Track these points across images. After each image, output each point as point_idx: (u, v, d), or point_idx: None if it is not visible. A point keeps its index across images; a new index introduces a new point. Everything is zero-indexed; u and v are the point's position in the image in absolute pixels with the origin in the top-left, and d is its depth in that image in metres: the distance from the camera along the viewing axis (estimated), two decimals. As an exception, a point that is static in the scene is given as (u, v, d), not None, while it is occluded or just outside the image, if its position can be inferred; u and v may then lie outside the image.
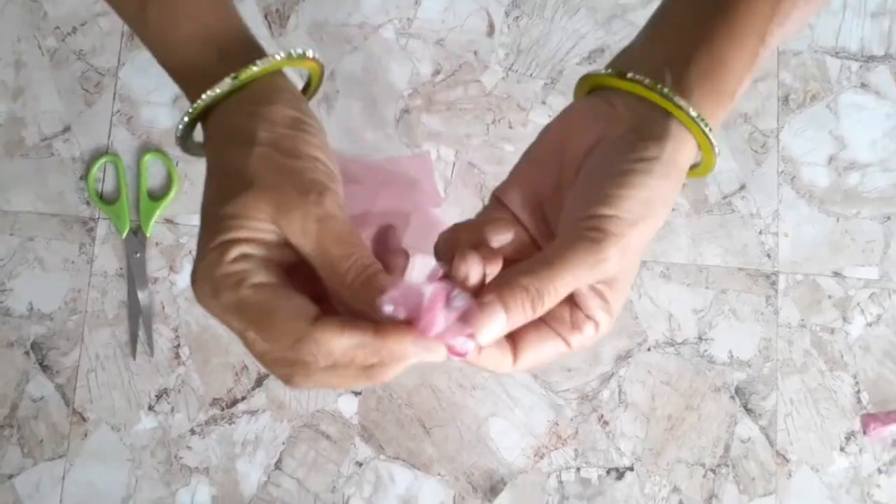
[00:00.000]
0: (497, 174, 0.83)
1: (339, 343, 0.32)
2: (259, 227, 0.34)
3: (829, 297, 0.84)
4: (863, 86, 0.87)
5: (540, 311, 0.34)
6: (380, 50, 0.85)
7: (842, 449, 0.82)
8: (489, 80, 0.85)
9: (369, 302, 0.33)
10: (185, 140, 0.40)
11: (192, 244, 0.81)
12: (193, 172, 0.83)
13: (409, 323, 0.33)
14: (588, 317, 0.36)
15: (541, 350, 0.36)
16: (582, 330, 0.36)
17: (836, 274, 0.85)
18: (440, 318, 0.32)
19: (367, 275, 0.34)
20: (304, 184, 0.34)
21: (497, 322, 0.33)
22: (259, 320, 0.33)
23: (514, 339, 0.36)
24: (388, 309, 0.32)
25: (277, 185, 0.34)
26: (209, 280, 0.33)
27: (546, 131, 0.40)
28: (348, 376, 0.33)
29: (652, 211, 0.35)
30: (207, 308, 0.34)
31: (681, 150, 0.36)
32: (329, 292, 0.35)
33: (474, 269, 0.34)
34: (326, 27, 0.86)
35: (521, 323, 0.34)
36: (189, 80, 0.38)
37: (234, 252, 0.33)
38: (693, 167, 0.40)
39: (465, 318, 0.33)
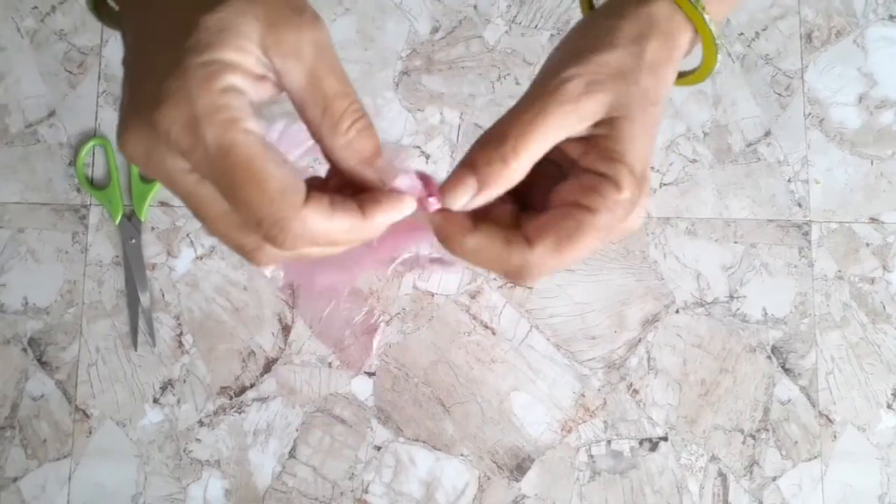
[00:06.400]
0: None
1: (328, 226, 0.28)
2: (247, 48, 0.28)
3: (867, 244, 0.79)
4: (891, 18, 0.82)
5: (517, 163, 0.31)
6: (373, 9, 0.81)
7: (889, 406, 0.77)
8: (491, 35, 0.81)
9: (363, 155, 0.29)
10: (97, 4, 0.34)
11: (189, 227, 0.78)
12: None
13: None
14: (599, 174, 0.32)
15: (559, 226, 0.31)
16: (598, 190, 0.31)
17: (874, 220, 0.79)
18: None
19: (364, 124, 0.29)
20: (297, 2, 0.29)
21: (465, 183, 0.31)
22: (244, 183, 0.27)
23: (522, 227, 0.32)
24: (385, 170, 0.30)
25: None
26: (188, 106, 0.26)
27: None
28: (315, 252, 0.30)
29: (628, 63, 0.32)
30: (162, 144, 0.27)
31: (660, 17, 0.33)
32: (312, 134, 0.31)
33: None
34: (317, -8, 0.81)
35: (499, 181, 0.31)
36: None
37: (225, 80, 0.27)
38: (686, 73, 0.37)
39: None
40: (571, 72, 0.31)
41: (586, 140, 0.32)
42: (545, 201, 0.34)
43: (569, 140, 0.32)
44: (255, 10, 0.28)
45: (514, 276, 0.32)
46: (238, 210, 0.28)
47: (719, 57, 0.35)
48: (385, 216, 0.30)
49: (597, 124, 0.32)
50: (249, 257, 0.30)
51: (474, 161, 0.31)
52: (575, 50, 0.33)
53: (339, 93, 0.29)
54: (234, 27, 0.27)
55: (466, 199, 0.31)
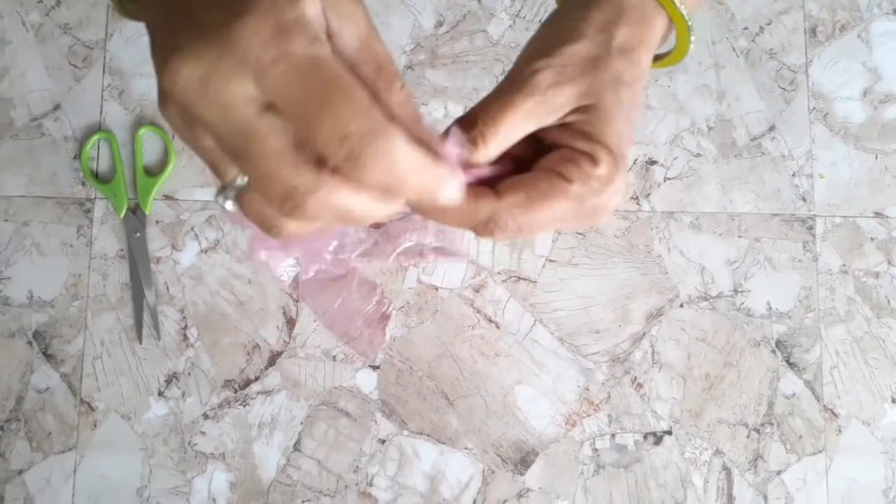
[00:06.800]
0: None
1: (412, 154, 0.26)
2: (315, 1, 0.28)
3: (872, 239, 0.79)
4: (896, 12, 0.82)
5: (485, 149, 0.33)
6: (377, 4, 0.81)
7: (894, 400, 0.77)
8: (496, 29, 0.81)
9: (415, 113, 0.30)
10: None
11: (193, 220, 0.78)
12: (191, 146, 0.79)
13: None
14: (579, 151, 0.33)
15: (532, 185, 0.33)
16: (575, 161, 0.33)
17: (878, 214, 0.79)
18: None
19: (406, 92, 0.30)
20: None
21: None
22: (334, 96, 0.25)
23: (496, 186, 0.33)
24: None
25: None
26: (275, 17, 0.25)
27: None
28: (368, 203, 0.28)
29: (597, 56, 0.33)
30: (232, 61, 0.26)
31: (628, 5, 0.34)
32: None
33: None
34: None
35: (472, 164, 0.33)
36: None
37: (309, 5, 0.26)
38: (662, 56, 0.38)
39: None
40: (541, 64, 0.33)
41: (563, 126, 0.33)
42: None
43: (545, 129, 0.33)
44: None
45: (483, 230, 0.33)
46: (319, 128, 0.26)
47: (692, 38, 0.36)
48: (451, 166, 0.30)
49: (570, 113, 0.33)
50: (299, 200, 0.27)
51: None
52: (545, 42, 0.33)
53: (388, 57, 0.30)
54: None
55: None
